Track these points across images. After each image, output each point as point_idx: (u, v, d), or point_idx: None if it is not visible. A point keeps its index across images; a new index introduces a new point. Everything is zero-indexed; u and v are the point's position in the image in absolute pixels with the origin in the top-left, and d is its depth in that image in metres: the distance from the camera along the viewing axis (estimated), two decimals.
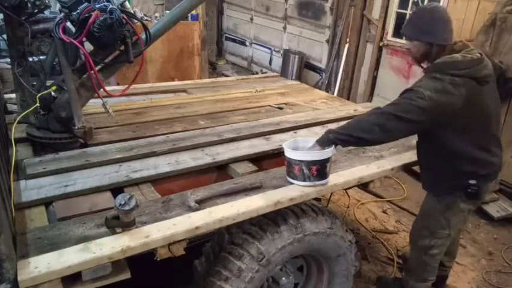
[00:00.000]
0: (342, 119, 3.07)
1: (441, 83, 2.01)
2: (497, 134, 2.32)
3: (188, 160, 2.27)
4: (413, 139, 2.74)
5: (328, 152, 2.02)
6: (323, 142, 2.07)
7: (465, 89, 2.02)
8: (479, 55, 2.10)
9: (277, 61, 7.65)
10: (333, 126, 2.94)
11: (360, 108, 3.38)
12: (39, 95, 2.24)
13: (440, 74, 2.04)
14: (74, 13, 2.07)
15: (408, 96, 2.04)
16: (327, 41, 6.58)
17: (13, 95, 2.65)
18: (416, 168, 2.52)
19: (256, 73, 7.97)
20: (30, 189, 1.88)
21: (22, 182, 1.94)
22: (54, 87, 2.27)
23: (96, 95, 2.36)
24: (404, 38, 2.30)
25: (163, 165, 2.20)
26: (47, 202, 1.84)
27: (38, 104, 2.23)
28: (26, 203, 1.80)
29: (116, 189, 1.98)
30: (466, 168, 2.19)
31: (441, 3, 4.82)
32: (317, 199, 2.97)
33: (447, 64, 2.06)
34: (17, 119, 2.27)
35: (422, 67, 2.27)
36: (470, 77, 2.04)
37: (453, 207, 2.29)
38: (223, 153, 2.39)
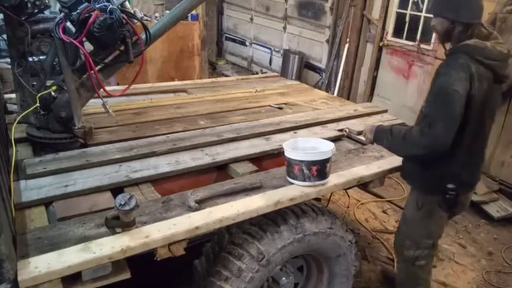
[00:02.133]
0: (341, 119, 3.07)
1: (469, 72, 1.92)
2: (486, 142, 2.23)
3: (188, 160, 2.27)
4: None
5: (328, 152, 2.02)
6: (376, 138, 2.25)
7: (487, 84, 1.96)
8: (507, 52, 2.01)
9: (277, 61, 7.65)
10: (332, 126, 2.95)
11: (360, 108, 3.38)
12: (39, 95, 2.24)
13: (468, 59, 1.94)
14: (74, 13, 2.08)
15: (442, 102, 1.93)
16: (327, 41, 6.58)
17: (13, 95, 2.65)
18: None
19: (256, 73, 7.97)
20: (30, 190, 1.88)
21: (22, 182, 1.94)
22: (54, 87, 2.27)
23: (96, 95, 2.36)
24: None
25: (163, 165, 2.20)
26: (47, 202, 1.84)
27: (38, 104, 2.23)
28: (26, 203, 1.80)
29: (116, 189, 1.98)
30: (454, 165, 2.09)
31: None
32: (317, 199, 2.97)
33: (477, 49, 1.94)
34: (17, 119, 2.27)
35: (445, 48, 2.16)
36: (494, 71, 1.97)
37: (433, 215, 2.25)
38: (223, 153, 2.39)
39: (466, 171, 2.16)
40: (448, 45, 2.12)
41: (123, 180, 2.03)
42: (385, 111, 3.42)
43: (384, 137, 2.19)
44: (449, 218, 2.40)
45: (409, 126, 2.19)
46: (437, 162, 2.09)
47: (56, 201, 1.84)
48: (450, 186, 2.10)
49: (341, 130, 2.89)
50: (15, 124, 2.23)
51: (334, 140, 2.68)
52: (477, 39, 1.97)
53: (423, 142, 1.97)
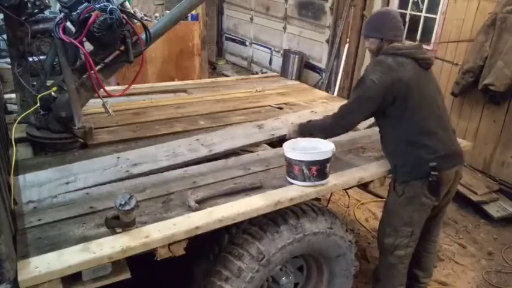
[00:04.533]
0: None
1: (384, 63, 2.26)
2: (448, 120, 2.42)
3: (185, 152, 2.34)
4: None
5: (328, 152, 2.02)
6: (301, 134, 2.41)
7: (410, 67, 2.25)
8: (418, 43, 2.43)
9: (277, 61, 7.65)
10: None
11: None
12: (39, 95, 2.24)
13: (383, 56, 2.31)
14: (74, 13, 2.08)
15: (358, 92, 2.32)
16: (327, 41, 6.57)
17: (13, 95, 2.65)
18: None
19: (256, 73, 7.97)
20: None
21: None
22: (55, 88, 2.27)
23: (96, 95, 2.36)
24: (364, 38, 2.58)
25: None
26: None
27: (38, 105, 2.23)
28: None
29: None
30: (426, 142, 2.24)
31: (441, 4, 4.83)
32: (317, 199, 2.97)
33: (389, 48, 2.32)
34: (18, 120, 2.27)
35: None
36: (411, 57, 2.27)
37: (414, 201, 2.29)
38: (219, 143, 2.45)
39: (439, 141, 2.27)
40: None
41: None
42: None
43: (312, 129, 2.41)
44: (439, 205, 2.41)
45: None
46: (410, 146, 2.27)
47: None
48: (432, 164, 2.20)
49: None
50: (15, 124, 2.23)
51: None
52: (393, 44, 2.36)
53: (333, 124, 2.37)
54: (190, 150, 2.37)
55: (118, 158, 2.23)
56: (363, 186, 2.48)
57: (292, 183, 2.05)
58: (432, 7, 4.95)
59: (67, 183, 1.96)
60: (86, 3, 2.08)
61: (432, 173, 2.20)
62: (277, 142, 2.65)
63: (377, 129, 2.96)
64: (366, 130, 2.94)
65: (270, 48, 7.98)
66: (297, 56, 6.91)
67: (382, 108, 2.25)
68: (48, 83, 2.34)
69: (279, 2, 7.48)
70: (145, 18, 5.56)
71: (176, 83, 4.18)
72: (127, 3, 2.28)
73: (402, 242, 2.40)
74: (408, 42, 2.45)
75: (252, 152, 2.50)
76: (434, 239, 2.66)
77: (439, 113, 2.35)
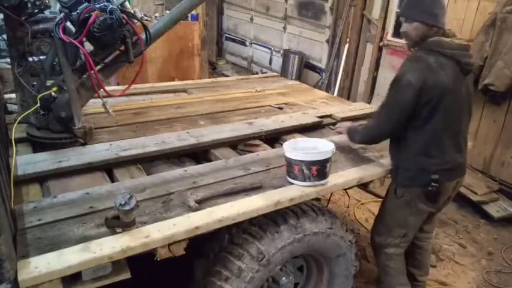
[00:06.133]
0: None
1: (425, 62, 2.06)
2: (465, 131, 2.31)
3: (174, 141, 2.42)
4: None
5: (328, 152, 2.02)
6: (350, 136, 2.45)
7: (451, 71, 2.07)
8: (466, 43, 2.17)
9: (277, 61, 7.65)
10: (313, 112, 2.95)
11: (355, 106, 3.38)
12: (39, 95, 2.24)
13: (425, 52, 2.10)
14: (74, 13, 2.08)
15: (394, 92, 2.13)
16: (327, 41, 6.57)
17: (13, 95, 2.65)
18: None
19: (256, 73, 7.97)
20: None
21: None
22: (55, 88, 2.27)
23: (96, 95, 2.36)
24: (403, 19, 2.28)
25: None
26: None
27: (38, 105, 2.23)
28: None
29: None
30: (436, 154, 2.17)
31: None
32: (317, 199, 2.97)
33: (434, 43, 2.08)
34: (18, 120, 2.27)
35: (411, 51, 2.31)
36: (454, 60, 2.07)
37: (412, 205, 2.28)
38: (207, 135, 2.52)
39: (447, 156, 2.19)
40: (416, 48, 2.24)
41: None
42: None
43: (355, 134, 2.41)
44: (436, 210, 2.42)
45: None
46: (420, 151, 2.18)
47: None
48: (434, 177, 2.15)
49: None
50: (15, 124, 2.23)
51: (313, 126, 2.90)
52: (439, 37, 2.11)
53: (372, 132, 2.29)
54: (179, 140, 2.46)
55: (111, 144, 2.35)
56: (363, 186, 2.48)
57: (292, 183, 2.05)
58: None
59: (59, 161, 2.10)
60: (86, 3, 2.08)
61: (433, 184, 2.16)
62: (265, 138, 2.69)
63: None
64: None
65: (270, 48, 7.97)
66: (297, 56, 6.91)
67: (419, 107, 2.12)
68: (48, 83, 2.34)
69: (279, 2, 7.48)
70: (145, 18, 5.56)
71: (176, 83, 4.18)
72: (127, 3, 2.28)
73: (393, 242, 2.41)
74: (452, 36, 2.16)
75: (252, 152, 2.50)
76: (428, 235, 2.66)
77: (460, 123, 2.24)
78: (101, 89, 2.36)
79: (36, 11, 2.29)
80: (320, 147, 2.14)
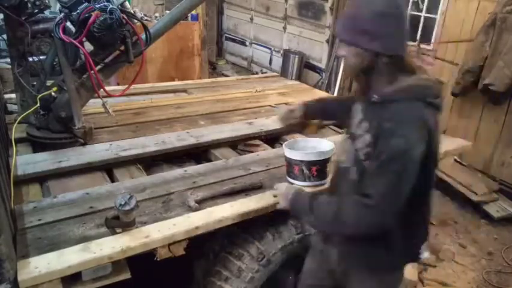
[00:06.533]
0: None
1: (427, 126, 1.42)
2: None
3: (174, 141, 2.43)
4: None
5: (328, 152, 2.02)
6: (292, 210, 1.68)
7: (432, 122, 1.44)
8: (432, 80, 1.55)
9: (277, 61, 7.65)
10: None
11: None
12: (39, 96, 2.24)
13: (423, 106, 1.43)
14: (74, 13, 2.08)
15: (396, 171, 1.40)
16: (327, 41, 6.57)
17: (13, 95, 2.65)
18: None
19: (256, 73, 7.97)
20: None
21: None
22: (55, 88, 2.27)
23: (96, 95, 2.36)
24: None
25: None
26: None
27: (38, 105, 2.23)
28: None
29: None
30: (419, 235, 1.64)
31: (441, 4, 4.82)
32: None
33: (426, 90, 1.46)
34: (18, 120, 2.27)
35: (361, 92, 1.58)
36: (432, 105, 1.44)
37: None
38: (207, 135, 2.52)
39: (425, 229, 1.67)
40: (363, 81, 1.54)
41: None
42: None
43: (303, 213, 1.62)
44: None
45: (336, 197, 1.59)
46: (399, 237, 1.54)
47: None
48: (423, 255, 1.66)
49: None
50: (15, 124, 2.23)
51: None
52: (412, 77, 1.46)
53: (367, 220, 1.45)
54: (179, 140, 2.46)
55: (111, 144, 2.35)
56: None
57: (292, 183, 2.05)
58: (432, 7, 4.95)
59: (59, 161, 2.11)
60: (86, 3, 2.08)
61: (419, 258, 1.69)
62: (265, 138, 2.69)
63: None
64: None
65: (270, 48, 7.97)
66: (297, 56, 6.91)
67: None
68: (48, 83, 2.34)
69: (279, 2, 7.48)
70: (145, 18, 5.56)
71: (176, 83, 4.17)
72: (127, 3, 2.28)
73: None
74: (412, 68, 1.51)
75: (252, 152, 2.50)
76: None
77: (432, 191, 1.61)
78: (101, 89, 2.36)
79: (36, 11, 2.29)
80: (320, 147, 2.14)
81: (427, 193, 1.57)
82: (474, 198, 4.02)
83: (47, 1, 2.31)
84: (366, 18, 1.38)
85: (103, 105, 2.38)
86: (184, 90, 3.65)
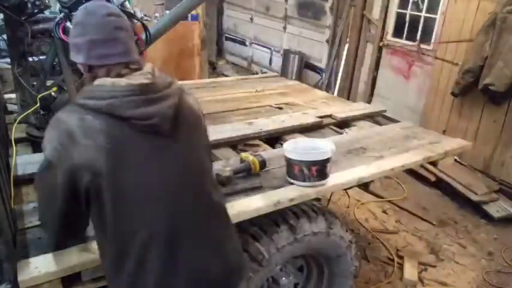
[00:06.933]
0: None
1: (66, 124, 1.23)
2: (218, 230, 1.38)
3: None
4: (414, 140, 2.75)
5: (328, 152, 2.02)
6: None
7: (105, 137, 1.19)
8: (147, 82, 1.27)
9: (277, 61, 7.65)
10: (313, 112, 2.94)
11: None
12: (39, 96, 2.23)
13: (69, 109, 1.31)
14: (74, 13, 2.07)
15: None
16: (327, 41, 6.58)
17: (13, 95, 2.65)
18: (416, 168, 2.51)
19: (256, 73, 7.97)
20: None
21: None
22: (55, 88, 2.27)
23: None
24: None
25: None
26: None
27: (38, 105, 2.23)
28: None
29: None
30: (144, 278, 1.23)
31: (441, 4, 4.82)
32: (317, 199, 2.98)
33: (84, 92, 1.29)
34: (18, 120, 2.27)
35: None
36: (114, 115, 1.20)
37: None
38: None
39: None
40: None
41: None
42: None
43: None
44: None
45: None
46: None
47: None
48: None
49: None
50: (15, 124, 2.23)
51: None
52: (105, 78, 1.28)
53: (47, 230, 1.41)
54: None
55: None
56: (363, 186, 2.48)
57: (292, 183, 2.05)
58: (432, 7, 4.96)
59: None
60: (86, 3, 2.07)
61: None
62: (265, 138, 2.69)
63: (377, 129, 2.99)
64: (367, 130, 2.94)
65: (270, 48, 7.98)
66: (297, 56, 6.91)
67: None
68: (48, 83, 2.34)
69: (279, 2, 7.49)
70: (145, 18, 5.56)
71: None
72: (127, 3, 2.28)
73: None
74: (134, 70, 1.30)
75: (252, 152, 2.50)
76: None
77: (189, 230, 1.29)
78: None
79: (36, 11, 2.29)
80: (320, 147, 2.14)
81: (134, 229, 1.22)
82: (474, 198, 4.02)
83: (47, 1, 2.30)
84: (71, 32, 1.35)
85: None
86: None
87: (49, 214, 1.31)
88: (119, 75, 1.27)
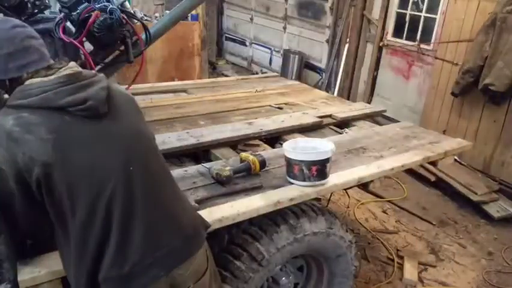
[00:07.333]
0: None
1: (3, 127, 1.22)
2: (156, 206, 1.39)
3: (173, 141, 2.39)
4: (414, 140, 2.75)
5: (328, 152, 2.02)
6: None
7: (46, 128, 1.23)
8: (76, 70, 1.33)
9: (277, 61, 7.65)
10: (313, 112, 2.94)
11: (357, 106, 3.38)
12: None
13: (2, 112, 1.27)
14: (74, 13, 2.08)
15: None
16: (327, 41, 6.58)
17: None
18: (416, 168, 2.51)
19: (256, 73, 7.97)
20: None
21: None
22: None
23: None
24: None
25: None
26: None
27: None
28: None
29: None
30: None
31: (441, 4, 4.83)
32: (317, 199, 2.98)
33: (15, 94, 1.27)
34: None
35: None
36: (49, 107, 1.25)
37: None
38: (207, 135, 2.50)
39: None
40: None
41: None
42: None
43: None
44: None
45: None
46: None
47: None
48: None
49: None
50: None
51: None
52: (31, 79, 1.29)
53: None
54: (179, 140, 2.44)
55: None
56: (363, 186, 2.48)
57: (292, 183, 2.05)
58: (432, 7, 4.96)
59: None
60: (86, 3, 2.08)
61: None
62: (265, 138, 2.69)
63: (377, 129, 2.99)
64: (367, 130, 2.94)
65: (270, 48, 7.98)
66: (297, 56, 6.92)
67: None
68: None
69: (279, 2, 7.49)
70: (145, 18, 5.56)
71: (176, 83, 4.17)
72: (127, 3, 2.28)
73: None
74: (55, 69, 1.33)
75: (252, 152, 2.50)
76: None
77: (136, 205, 1.33)
78: None
79: (36, 11, 2.29)
80: (319, 147, 2.14)
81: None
82: (474, 198, 4.02)
83: (47, 1, 2.31)
84: None
85: None
86: (184, 90, 3.65)
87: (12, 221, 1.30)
88: (45, 77, 1.30)
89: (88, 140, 1.29)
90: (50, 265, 1.43)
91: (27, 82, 1.28)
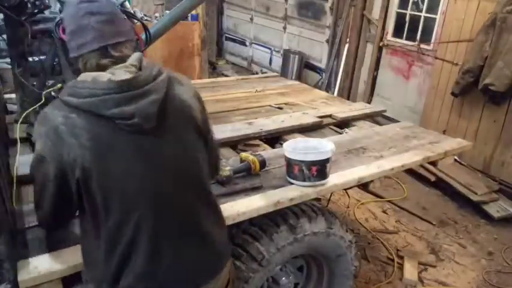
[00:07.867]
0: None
1: (52, 122, 1.21)
2: (194, 226, 1.38)
3: None
4: (414, 140, 2.75)
5: (328, 152, 2.02)
6: None
7: (87, 134, 1.20)
8: (130, 77, 1.23)
9: (277, 61, 7.65)
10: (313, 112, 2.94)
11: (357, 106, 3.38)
12: (44, 92, 2.23)
13: (55, 105, 1.26)
14: None
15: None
16: (327, 41, 6.58)
17: (13, 95, 2.65)
18: (416, 168, 2.51)
19: (256, 73, 7.97)
20: None
21: None
22: (59, 85, 2.27)
23: None
24: None
25: None
26: None
27: (42, 101, 2.23)
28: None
29: None
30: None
31: (441, 4, 4.83)
32: (317, 199, 2.98)
33: (67, 89, 1.25)
34: (21, 119, 2.27)
35: None
36: (95, 113, 1.20)
37: None
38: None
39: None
40: None
41: None
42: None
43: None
44: None
45: None
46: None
47: None
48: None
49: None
50: (19, 123, 2.22)
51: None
52: (87, 73, 1.26)
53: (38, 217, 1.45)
54: None
55: None
56: (363, 186, 2.48)
57: (292, 183, 2.05)
58: (432, 7, 4.96)
59: None
60: None
61: None
62: (265, 138, 2.68)
63: (377, 129, 2.99)
64: (367, 130, 2.94)
65: (270, 48, 7.98)
66: (297, 56, 6.92)
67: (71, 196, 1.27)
68: (49, 83, 2.34)
69: (279, 2, 7.49)
70: (145, 18, 5.57)
71: None
72: (127, 3, 2.28)
73: None
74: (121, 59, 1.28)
75: (252, 152, 2.50)
76: None
77: (170, 226, 1.32)
78: None
79: (36, 11, 2.29)
80: (320, 147, 2.14)
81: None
82: (474, 198, 4.02)
83: (47, 1, 2.30)
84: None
85: None
86: None
87: (42, 202, 1.34)
88: (99, 66, 1.26)
89: (127, 153, 1.26)
90: (50, 265, 1.43)
91: (81, 76, 1.25)
